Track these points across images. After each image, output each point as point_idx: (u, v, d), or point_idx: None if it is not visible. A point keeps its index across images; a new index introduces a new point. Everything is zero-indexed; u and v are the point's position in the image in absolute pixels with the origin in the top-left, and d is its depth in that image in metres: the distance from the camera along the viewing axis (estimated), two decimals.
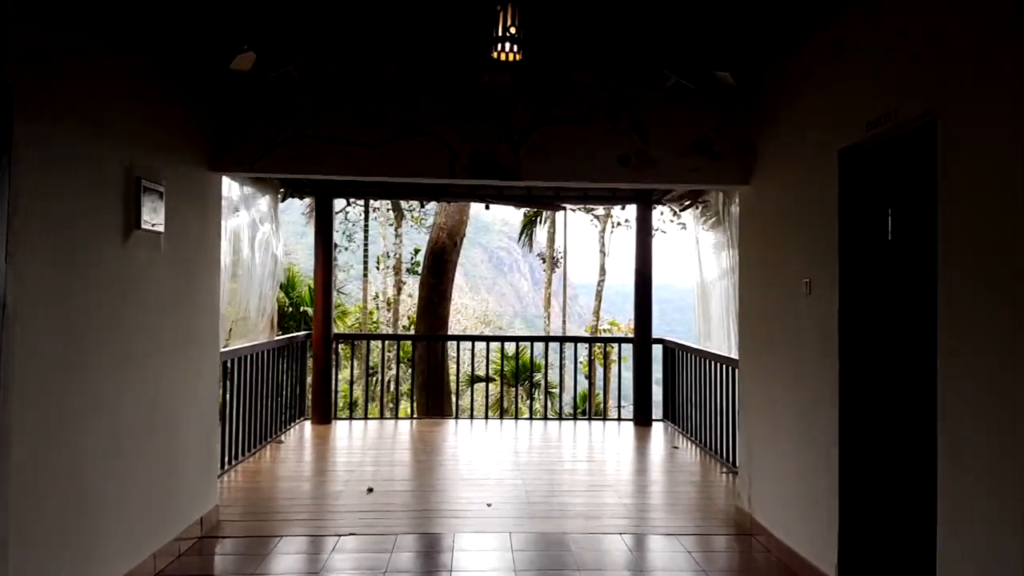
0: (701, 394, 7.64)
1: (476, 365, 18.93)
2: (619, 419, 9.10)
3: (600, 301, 17.53)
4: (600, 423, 8.94)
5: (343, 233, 17.56)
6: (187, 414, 4.51)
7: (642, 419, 8.72)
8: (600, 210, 20.53)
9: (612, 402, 10.89)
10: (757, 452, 4.81)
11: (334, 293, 19.17)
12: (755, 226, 4.97)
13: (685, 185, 5.80)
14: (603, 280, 17.63)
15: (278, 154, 4.84)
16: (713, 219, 7.82)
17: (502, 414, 9.50)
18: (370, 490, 5.69)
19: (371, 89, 4.91)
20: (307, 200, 9.26)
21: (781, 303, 4.44)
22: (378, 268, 17.46)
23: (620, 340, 8.93)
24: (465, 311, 44.00)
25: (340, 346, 10.72)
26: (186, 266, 4.48)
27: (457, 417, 9.02)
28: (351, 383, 8.99)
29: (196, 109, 4.58)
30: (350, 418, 8.94)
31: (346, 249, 17.59)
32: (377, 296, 19.32)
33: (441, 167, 4.87)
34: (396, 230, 16.16)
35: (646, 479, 6.56)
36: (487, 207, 9.00)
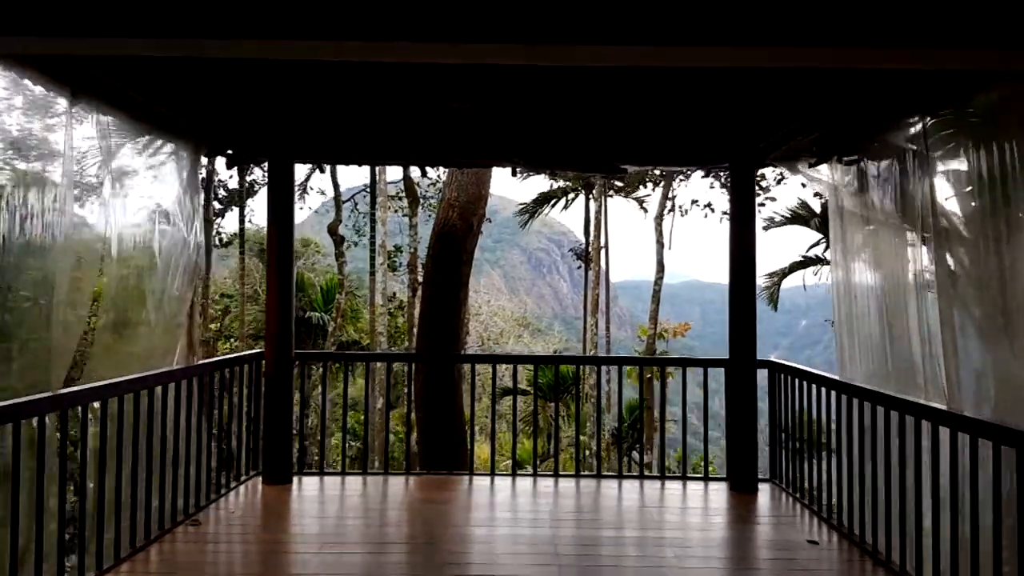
0: (850, 454, 4.86)
1: (504, 375, 16.17)
2: (706, 478, 6.31)
3: (659, 304, 14.59)
4: (678, 484, 6.16)
5: (352, 226, 15.07)
6: None
7: (741, 481, 5.94)
8: (650, 192, 17.75)
9: (682, 433, 8.15)
10: None
11: (342, 296, 16.70)
12: None
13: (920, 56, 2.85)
14: (661, 278, 14.71)
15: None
16: (857, 183, 5.05)
17: (536, 465, 6.78)
18: None
19: None
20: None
21: None
22: (392, 266, 14.83)
23: (706, 363, 6.15)
24: (502, 313, 41.96)
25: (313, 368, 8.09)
26: None
27: (472, 472, 6.33)
28: (322, 419, 6.38)
29: None
30: (320, 473, 6.30)
31: (355, 244, 15.06)
32: (394, 296, 16.78)
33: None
34: (411, 220, 13.48)
35: None
36: (513, 173, 6.30)
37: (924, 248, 4.38)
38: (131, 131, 4.25)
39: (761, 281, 16.18)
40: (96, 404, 4.00)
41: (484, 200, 8.58)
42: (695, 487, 6.07)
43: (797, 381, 5.76)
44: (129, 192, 4.18)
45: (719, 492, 5.94)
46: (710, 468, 6.46)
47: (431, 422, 7.92)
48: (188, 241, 4.88)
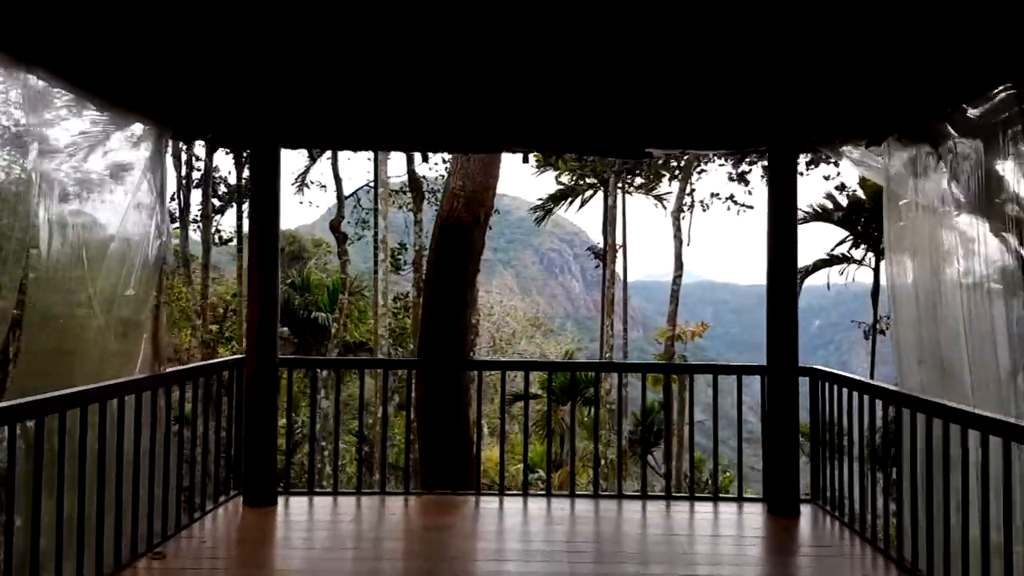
0: (914, 476, 4.18)
1: (515, 378, 15.48)
2: (740, 499, 5.63)
3: (677, 304, 13.92)
4: (709, 505, 5.50)
5: (356, 222, 14.47)
6: None
7: (781, 503, 5.26)
8: (670, 190, 17.13)
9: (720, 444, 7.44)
10: None
11: (345, 295, 16.07)
12: None
13: None
14: (679, 276, 14.03)
15: None
16: (921, 166, 4.37)
17: (549, 478, 6.14)
18: None
19: None
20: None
21: None
22: (396, 265, 14.20)
23: (741, 370, 5.49)
24: (514, 313, 41.48)
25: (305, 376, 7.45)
26: None
27: (479, 491, 5.68)
28: (311, 433, 5.74)
29: None
30: (309, 492, 5.67)
31: (359, 239, 14.46)
32: (406, 296, 16.16)
33: None
34: (416, 215, 12.85)
35: None
36: (525, 159, 5.65)
37: (1008, 240, 3.73)
38: (71, 100, 3.62)
39: None
40: (30, 423, 3.39)
41: (492, 191, 7.88)
42: (728, 510, 5.40)
43: (845, 391, 5.07)
44: (67, 173, 3.56)
45: (756, 516, 5.27)
46: (742, 486, 5.75)
47: (434, 431, 7.28)
48: (149, 233, 4.26)
